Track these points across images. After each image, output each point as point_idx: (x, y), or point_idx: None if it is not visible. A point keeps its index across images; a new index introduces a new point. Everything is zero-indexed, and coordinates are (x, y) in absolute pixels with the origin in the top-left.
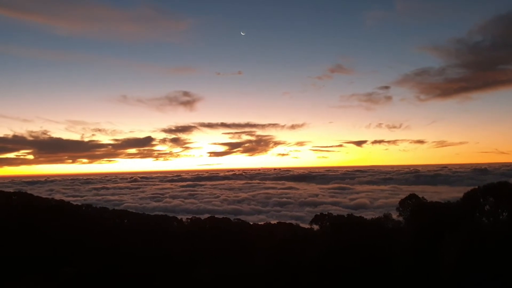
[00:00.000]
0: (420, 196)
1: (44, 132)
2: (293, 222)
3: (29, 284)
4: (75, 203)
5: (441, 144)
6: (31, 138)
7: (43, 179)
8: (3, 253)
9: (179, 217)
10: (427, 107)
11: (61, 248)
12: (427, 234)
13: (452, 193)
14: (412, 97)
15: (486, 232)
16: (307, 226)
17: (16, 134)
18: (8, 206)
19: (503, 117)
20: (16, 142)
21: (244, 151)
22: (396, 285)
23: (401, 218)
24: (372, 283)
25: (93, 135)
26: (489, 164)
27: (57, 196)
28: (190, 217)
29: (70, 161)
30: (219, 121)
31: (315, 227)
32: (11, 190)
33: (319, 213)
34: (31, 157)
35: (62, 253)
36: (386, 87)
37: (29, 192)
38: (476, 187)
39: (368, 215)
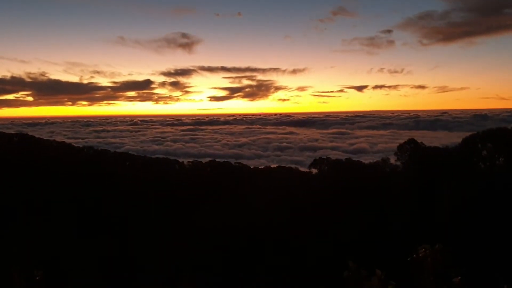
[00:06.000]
0: (419, 141)
1: (43, 74)
2: (293, 166)
3: (30, 224)
4: (76, 145)
5: (442, 89)
6: (29, 80)
7: (43, 121)
8: (6, 195)
9: (180, 160)
10: (430, 52)
11: (63, 189)
12: (424, 178)
13: (452, 139)
14: (415, 42)
15: (481, 177)
16: (306, 170)
17: (14, 75)
18: (10, 148)
19: (506, 63)
20: (14, 84)
21: (245, 96)
22: (392, 227)
23: (399, 163)
24: (368, 224)
25: (92, 77)
26: (490, 110)
27: (58, 138)
28: (191, 160)
29: (70, 103)
30: (219, 65)
31: (314, 171)
32: (12, 132)
33: (318, 158)
34: (30, 99)
35: (64, 193)
36: (389, 31)
37: (30, 134)
38: (475, 132)
39: (367, 159)
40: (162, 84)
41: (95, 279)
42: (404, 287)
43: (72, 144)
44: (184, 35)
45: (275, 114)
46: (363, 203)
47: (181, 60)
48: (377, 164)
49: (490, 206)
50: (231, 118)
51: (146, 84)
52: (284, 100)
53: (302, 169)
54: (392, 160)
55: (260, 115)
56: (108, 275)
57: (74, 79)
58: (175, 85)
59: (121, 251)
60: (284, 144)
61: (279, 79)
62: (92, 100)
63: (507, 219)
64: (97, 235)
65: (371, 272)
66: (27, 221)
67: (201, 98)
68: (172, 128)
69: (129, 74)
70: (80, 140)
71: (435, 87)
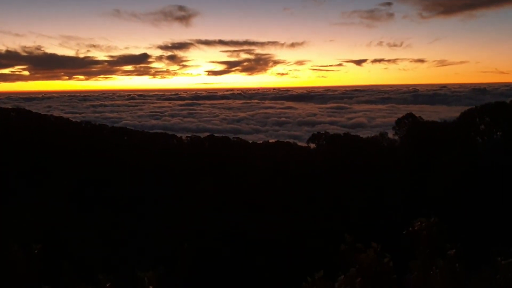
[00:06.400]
0: (418, 115)
1: (38, 48)
2: (291, 141)
3: (27, 197)
4: (74, 120)
5: (442, 63)
6: (25, 54)
7: (40, 96)
8: (5, 169)
9: (178, 135)
10: (430, 25)
11: (61, 163)
12: (422, 152)
13: (450, 113)
14: (415, 14)
15: (479, 151)
16: (304, 145)
17: (9, 49)
18: (7, 123)
19: (506, 36)
20: (10, 58)
21: (243, 70)
22: (389, 201)
23: (397, 137)
24: (365, 199)
25: (88, 51)
26: (489, 84)
27: (56, 113)
28: (189, 135)
29: (67, 77)
30: (217, 38)
31: (312, 145)
32: (9, 107)
33: (316, 132)
34: (26, 73)
35: (62, 168)
36: (389, 4)
37: (27, 109)
38: (473, 107)
39: (365, 134)
40: (159, 58)
41: (94, 252)
42: (399, 259)
43: (70, 119)
44: (181, 8)
45: (274, 89)
46: (361, 177)
47: (178, 33)
48: (375, 138)
49: (487, 181)
50: (229, 92)
51: (143, 58)
52: (282, 74)
53: (300, 143)
54: (390, 134)
55: (258, 89)
56: (107, 248)
57: (70, 53)
58: (172, 59)
59: (119, 224)
60: (283, 118)
61: (277, 53)
62: (89, 75)
63: (503, 193)
64: (96, 209)
65: (367, 245)
66: (25, 195)
67: (198, 72)
68: (169, 103)
69: (125, 48)
70: (77, 115)
71: (434, 61)
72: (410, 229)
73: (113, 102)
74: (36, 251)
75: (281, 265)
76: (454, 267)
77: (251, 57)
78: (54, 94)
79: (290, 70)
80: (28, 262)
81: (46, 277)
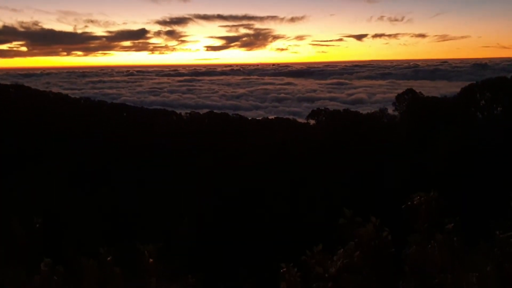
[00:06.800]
0: (418, 91)
1: (35, 23)
2: (290, 117)
3: (29, 174)
4: (73, 96)
5: (443, 38)
6: (22, 29)
7: (38, 72)
8: (5, 145)
9: (178, 111)
10: None
11: (59, 139)
12: (421, 128)
13: (451, 88)
14: None
15: (479, 126)
16: (304, 121)
17: (6, 24)
18: (7, 99)
19: (509, 11)
20: (7, 33)
21: (242, 46)
22: (388, 177)
23: (396, 113)
24: (365, 174)
25: (86, 26)
26: (490, 59)
27: (54, 89)
28: (189, 112)
29: (65, 53)
30: (215, 12)
31: (312, 122)
32: (8, 83)
33: (316, 109)
34: (24, 49)
35: (61, 144)
36: None
37: (26, 85)
38: (474, 82)
39: (365, 110)
40: (158, 34)
41: (95, 228)
42: (398, 234)
43: (69, 95)
44: None
45: (273, 65)
46: (360, 153)
47: (176, 8)
48: (374, 114)
49: (486, 156)
50: (228, 68)
51: (141, 33)
52: (282, 49)
53: (300, 120)
54: (390, 110)
55: (257, 65)
56: (107, 223)
57: (68, 28)
58: (171, 34)
59: (119, 200)
60: (282, 95)
61: (277, 28)
62: (87, 50)
63: (503, 168)
64: (96, 185)
65: (366, 220)
66: (26, 171)
67: (197, 47)
68: (168, 79)
69: (123, 23)
70: (76, 91)
71: (436, 35)
72: (409, 203)
73: (112, 78)
74: (37, 225)
75: (281, 240)
76: (452, 241)
77: (250, 32)
78: (52, 70)
79: (289, 46)
80: (29, 236)
81: (47, 251)
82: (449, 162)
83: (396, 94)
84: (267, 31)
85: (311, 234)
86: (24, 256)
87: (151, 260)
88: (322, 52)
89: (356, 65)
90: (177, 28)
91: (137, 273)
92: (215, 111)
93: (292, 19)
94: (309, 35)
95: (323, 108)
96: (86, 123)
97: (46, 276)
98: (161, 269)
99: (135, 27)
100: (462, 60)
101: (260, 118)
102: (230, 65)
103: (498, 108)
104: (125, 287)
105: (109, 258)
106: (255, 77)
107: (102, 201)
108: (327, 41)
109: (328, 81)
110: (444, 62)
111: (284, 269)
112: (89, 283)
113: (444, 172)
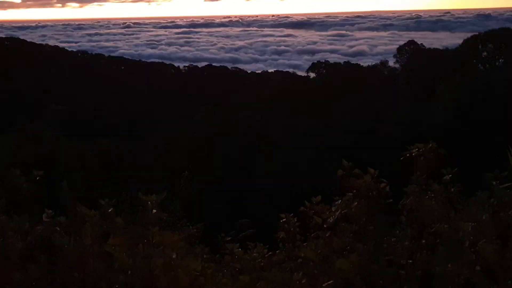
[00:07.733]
0: (420, 42)
1: None
2: (290, 70)
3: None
4: (70, 49)
5: None
6: None
7: (33, 24)
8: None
9: (176, 64)
10: None
11: (53, 87)
12: (422, 80)
13: (453, 40)
14: None
15: (480, 78)
16: (304, 74)
17: None
18: (2, 52)
19: None
20: None
21: None
22: (388, 129)
23: (398, 65)
24: (365, 126)
25: None
26: (494, 9)
27: (51, 42)
28: (187, 65)
29: (60, 5)
30: None
31: (312, 75)
32: (2, 36)
33: (316, 61)
34: (18, 0)
35: (54, 92)
36: None
37: (21, 38)
38: (477, 33)
39: (366, 62)
40: None
41: (96, 180)
42: (396, 185)
43: (66, 48)
44: None
45: (273, 16)
46: (360, 105)
47: None
48: (375, 67)
49: (485, 107)
50: (227, 20)
51: None
52: None
53: (300, 73)
54: (391, 62)
55: (257, 16)
56: (107, 176)
57: None
58: None
59: (119, 152)
60: (282, 47)
61: None
62: (82, 2)
63: (501, 119)
64: (95, 137)
65: (364, 171)
66: (26, 121)
67: None
68: (166, 31)
69: None
70: (73, 44)
71: None
72: (407, 154)
73: (108, 30)
74: (37, 178)
75: (281, 191)
76: (450, 192)
77: None
78: (48, 23)
79: None
80: (30, 188)
81: (49, 204)
82: (448, 114)
83: (397, 46)
84: None
85: (310, 186)
86: (26, 207)
87: (154, 210)
88: None
89: (357, 16)
90: None
91: (140, 223)
92: (213, 64)
93: None
94: None
95: (323, 61)
96: (85, 76)
97: (48, 227)
98: (164, 220)
99: None
100: (465, 10)
101: (259, 72)
102: (229, 17)
103: (500, 60)
104: (127, 237)
105: (110, 210)
106: (255, 28)
107: (102, 152)
108: None
109: (329, 33)
110: (446, 12)
111: (284, 219)
112: (91, 233)
113: (444, 123)
